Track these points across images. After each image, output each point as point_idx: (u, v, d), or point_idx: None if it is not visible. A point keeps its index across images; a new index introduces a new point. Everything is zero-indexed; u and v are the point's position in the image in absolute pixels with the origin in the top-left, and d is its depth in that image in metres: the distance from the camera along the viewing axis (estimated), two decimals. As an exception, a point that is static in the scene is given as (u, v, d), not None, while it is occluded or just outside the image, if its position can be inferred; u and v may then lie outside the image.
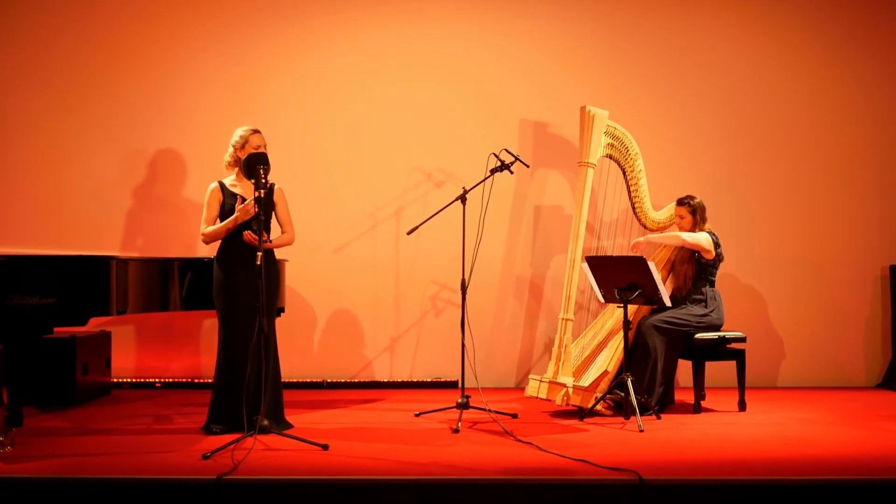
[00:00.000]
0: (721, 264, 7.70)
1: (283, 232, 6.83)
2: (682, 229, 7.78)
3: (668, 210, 7.94)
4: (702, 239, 7.56)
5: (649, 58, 9.13)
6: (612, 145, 7.78)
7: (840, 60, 9.21)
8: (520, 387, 8.80)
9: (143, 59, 9.00)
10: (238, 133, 6.69)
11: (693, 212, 7.71)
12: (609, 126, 7.74)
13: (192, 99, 9.00)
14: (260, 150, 6.52)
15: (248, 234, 6.46)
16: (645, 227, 7.96)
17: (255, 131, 6.69)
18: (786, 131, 9.17)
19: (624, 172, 7.88)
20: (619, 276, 7.04)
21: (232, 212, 6.53)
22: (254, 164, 6.16)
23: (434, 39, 9.10)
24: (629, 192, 7.90)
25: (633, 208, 7.92)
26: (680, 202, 7.79)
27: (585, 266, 7.27)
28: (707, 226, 7.70)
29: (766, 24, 9.19)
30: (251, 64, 9.05)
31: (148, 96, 8.98)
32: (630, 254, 7.86)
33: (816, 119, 9.19)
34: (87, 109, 8.96)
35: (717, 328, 7.56)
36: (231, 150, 6.70)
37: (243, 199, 6.57)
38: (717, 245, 7.59)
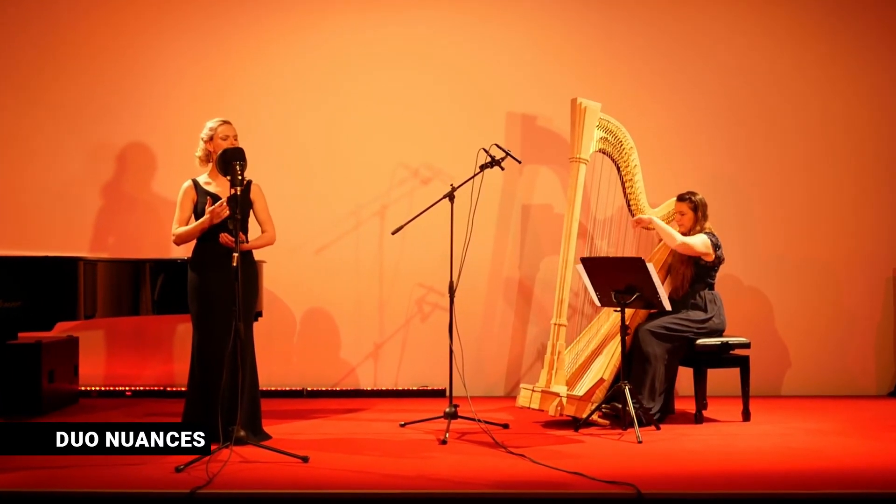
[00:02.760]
0: (722, 266, 7.71)
1: (262, 231, 6.82)
2: (681, 226, 7.79)
3: (666, 207, 7.95)
4: (696, 243, 7.56)
5: (646, 46, 9.13)
6: (606, 139, 7.78)
7: (853, 50, 9.22)
8: (511, 395, 8.80)
9: (112, 48, 8.98)
10: (207, 126, 6.69)
11: (695, 208, 7.71)
12: (602, 119, 7.74)
13: (162, 90, 8.97)
14: (229, 141, 6.54)
15: (224, 237, 6.44)
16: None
17: (224, 122, 6.68)
18: (793, 124, 9.18)
19: (618, 168, 7.89)
20: (615, 278, 7.05)
21: (205, 212, 6.53)
22: (229, 161, 6.11)
23: (419, 27, 9.09)
24: (624, 188, 7.90)
25: (628, 206, 7.91)
26: (681, 198, 7.79)
27: (580, 267, 7.27)
28: (708, 225, 7.71)
29: (773, 10, 9.20)
30: (225, 52, 9.03)
31: (116, 87, 8.95)
32: (628, 254, 7.87)
33: (827, 111, 9.20)
34: (51, 100, 8.92)
35: (718, 333, 7.57)
36: (201, 144, 6.70)
37: (214, 199, 6.56)
38: (717, 247, 7.59)
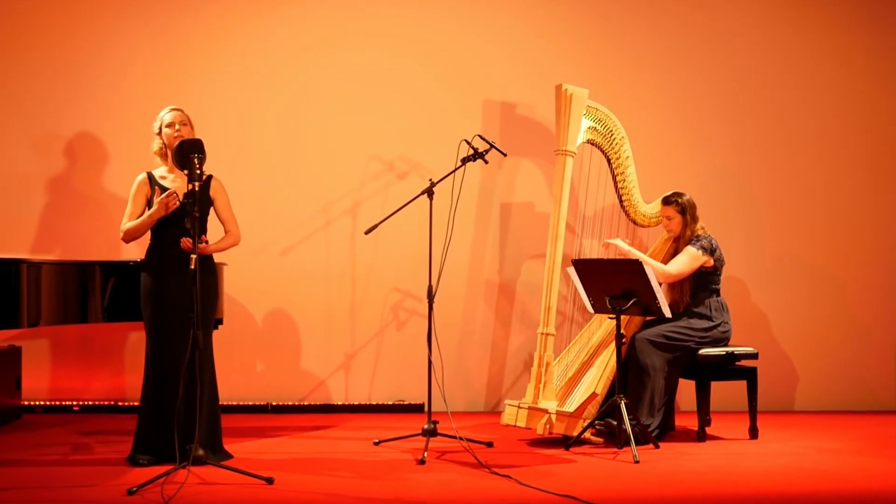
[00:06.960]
0: (724, 268, 7.70)
1: (225, 231, 6.81)
2: (670, 232, 7.78)
3: (660, 204, 7.94)
4: (684, 266, 7.54)
5: (643, 27, 9.14)
6: (594, 129, 7.75)
7: (872, 32, 9.24)
8: (495, 410, 8.80)
9: (58, 30, 8.94)
10: (157, 116, 6.70)
11: (682, 211, 7.69)
12: (590, 106, 7.70)
13: (112, 76, 8.93)
14: (173, 129, 6.57)
15: (185, 242, 6.40)
16: (634, 222, 7.95)
17: (171, 109, 6.70)
18: (806, 114, 9.19)
19: (608, 160, 7.86)
20: (611, 281, 7.05)
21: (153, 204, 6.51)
22: (186, 153, 6.11)
23: (393, 5, 9.07)
24: (615, 182, 7.88)
25: (621, 202, 7.91)
26: (666, 201, 7.76)
27: (572, 270, 7.27)
28: (699, 226, 7.70)
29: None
30: (180, 35, 9.00)
31: (62, 73, 8.92)
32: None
33: (842, 101, 9.22)
34: (-9, 87, 8.93)
35: (723, 343, 7.57)
36: (155, 137, 6.69)
37: (164, 190, 6.54)
38: (712, 250, 7.58)
